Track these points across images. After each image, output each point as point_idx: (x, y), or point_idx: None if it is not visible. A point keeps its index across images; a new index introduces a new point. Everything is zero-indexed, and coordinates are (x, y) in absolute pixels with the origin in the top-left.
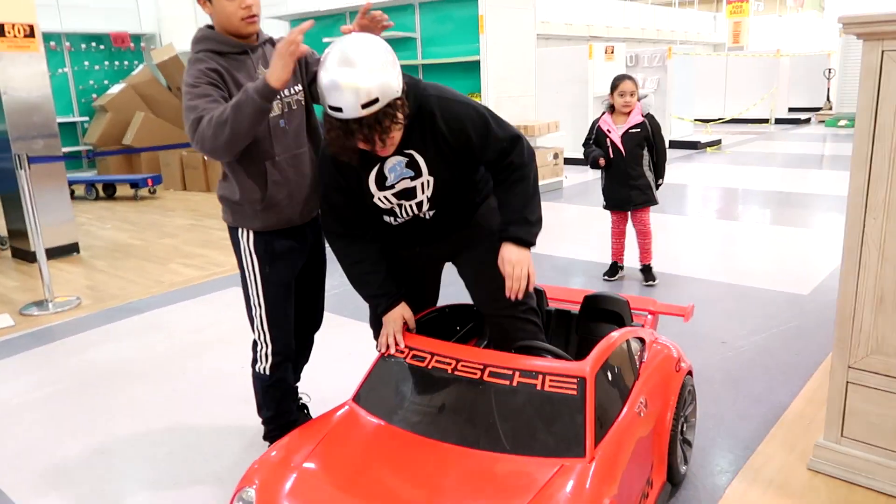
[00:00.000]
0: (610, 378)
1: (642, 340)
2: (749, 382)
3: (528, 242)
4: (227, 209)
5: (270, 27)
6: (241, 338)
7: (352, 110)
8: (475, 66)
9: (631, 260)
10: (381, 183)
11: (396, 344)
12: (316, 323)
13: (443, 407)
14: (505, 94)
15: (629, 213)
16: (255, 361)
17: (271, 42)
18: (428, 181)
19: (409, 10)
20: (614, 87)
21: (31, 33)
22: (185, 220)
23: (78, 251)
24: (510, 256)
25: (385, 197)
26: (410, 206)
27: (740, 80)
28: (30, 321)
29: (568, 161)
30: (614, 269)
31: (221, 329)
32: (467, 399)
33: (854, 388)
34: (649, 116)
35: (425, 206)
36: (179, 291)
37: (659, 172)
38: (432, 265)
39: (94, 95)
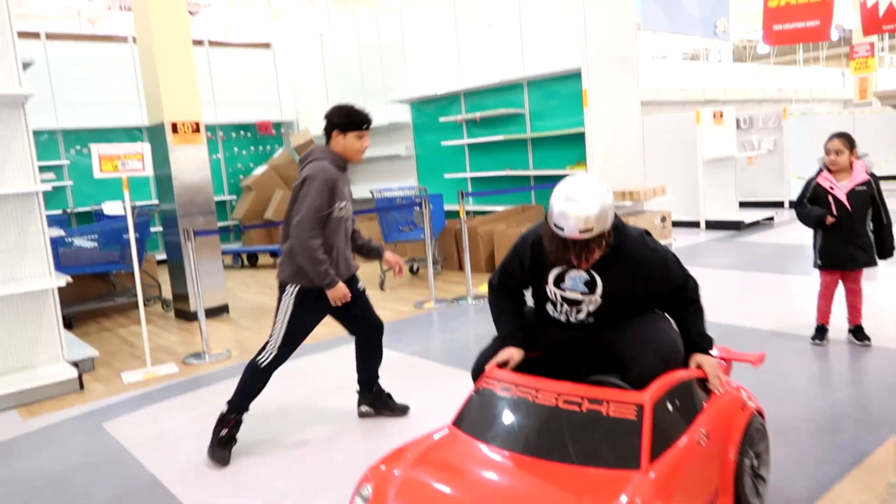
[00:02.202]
0: (670, 408)
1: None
2: (836, 432)
3: (710, 350)
4: (287, 269)
5: (392, 110)
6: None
7: (571, 232)
8: (581, 137)
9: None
10: (558, 283)
11: (497, 362)
12: (378, 329)
13: (524, 427)
14: (610, 162)
15: (841, 273)
16: (259, 354)
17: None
18: (596, 301)
19: (518, 88)
20: (825, 145)
21: (196, 129)
22: None
23: (228, 312)
24: (709, 363)
25: (555, 294)
26: (570, 311)
27: (867, 136)
28: (190, 369)
29: (674, 224)
30: (822, 332)
31: (345, 375)
32: (545, 421)
33: None
34: (873, 176)
35: (581, 317)
36: (311, 345)
37: (885, 236)
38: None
39: (242, 177)
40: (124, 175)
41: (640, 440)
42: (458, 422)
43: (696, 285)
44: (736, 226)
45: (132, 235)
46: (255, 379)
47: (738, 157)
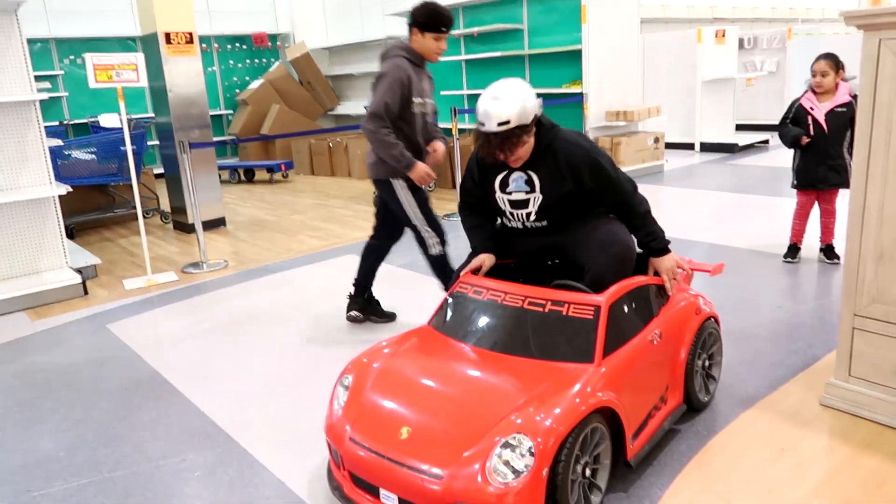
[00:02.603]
0: (625, 310)
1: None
2: (792, 339)
3: (666, 249)
4: (381, 168)
5: (390, 23)
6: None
7: (491, 125)
8: (578, 54)
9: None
10: (504, 188)
11: (471, 269)
12: (396, 239)
13: (492, 326)
14: (607, 81)
15: (817, 193)
16: (426, 248)
17: None
18: (538, 198)
19: (518, 2)
20: (812, 66)
21: (190, 40)
22: (312, 200)
23: (224, 224)
24: (664, 265)
25: (503, 199)
26: (521, 214)
27: None
28: (189, 277)
29: (669, 145)
30: (794, 251)
31: (336, 284)
32: (510, 320)
33: (859, 332)
34: (856, 97)
35: (532, 217)
36: (305, 257)
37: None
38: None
39: (238, 91)
40: (119, 85)
41: (595, 338)
42: (434, 322)
43: (641, 199)
44: (730, 148)
45: (129, 148)
46: (444, 264)
47: (738, 78)
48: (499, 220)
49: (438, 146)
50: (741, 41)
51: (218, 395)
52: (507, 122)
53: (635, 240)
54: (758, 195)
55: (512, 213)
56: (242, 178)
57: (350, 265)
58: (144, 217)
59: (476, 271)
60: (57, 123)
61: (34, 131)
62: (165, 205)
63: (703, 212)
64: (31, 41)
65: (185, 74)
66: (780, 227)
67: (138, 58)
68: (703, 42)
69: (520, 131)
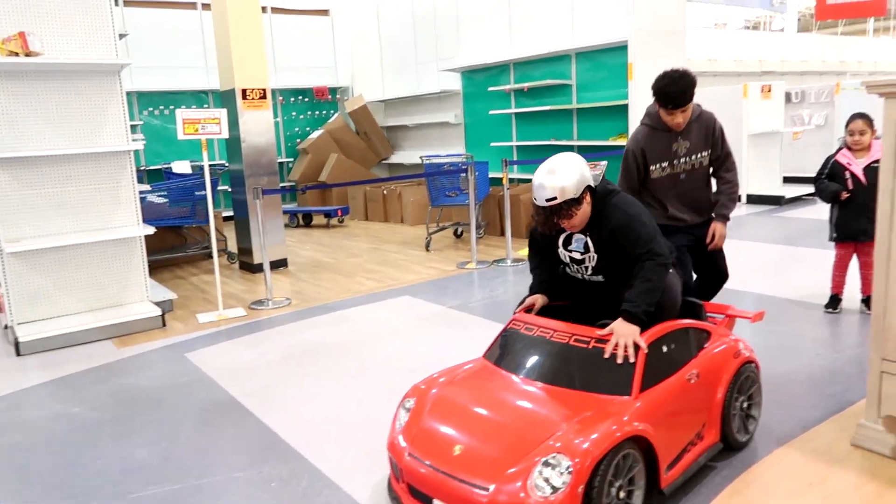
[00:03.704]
0: (664, 350)
1: (708, 332)
2: (828, 384)
3: (640, 321)
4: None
5: (443, 78)
6: (407, 328)
7: (541, 201)
8: (625, 109)
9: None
10: (566, 246)
11: (524, 307)
12: (721, 278)
13: (539, 359)
14: None
15: (855, 245)
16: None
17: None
18: (593, 257)
19: (566, 59)
20: (847, 125)
21: (263, 95)
22: (367, 244)
23: (287, 265)
24: (620, 330)
25: (565, 255)
26: (579, 269)
27: None
28: (256, 313)
29: None
30: (835, 301)
31: (393, 324)
32: (556, 355)
33: (887, 377)
34: None
35: (589, 272)
36: (363, 297)
37: None
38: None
39: (298, 140)
40: (203, 137)
41: (634, 373)
42: (488, 355)
43: (661, 263)
44: (777, 200)
45: (209, 192)
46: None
47: (785, 131)
48: (562, 268)
49: (716, 230)
50: (789, 95)
51: (288, 416)
52: (554, 199)
53: (678, 288)
54: (803, 247)
55: (572, 267)
56: (301, 222)
57: (405, 305)
58: (212, 257)
59: (529, 310)
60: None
61: (127, 177)
62: (233, 246)
63: (750, 263)
64: None
65: (258, 126)
66: (824, 278)
67: (221, 113)
68: (749, 97)
69: (567, 205)
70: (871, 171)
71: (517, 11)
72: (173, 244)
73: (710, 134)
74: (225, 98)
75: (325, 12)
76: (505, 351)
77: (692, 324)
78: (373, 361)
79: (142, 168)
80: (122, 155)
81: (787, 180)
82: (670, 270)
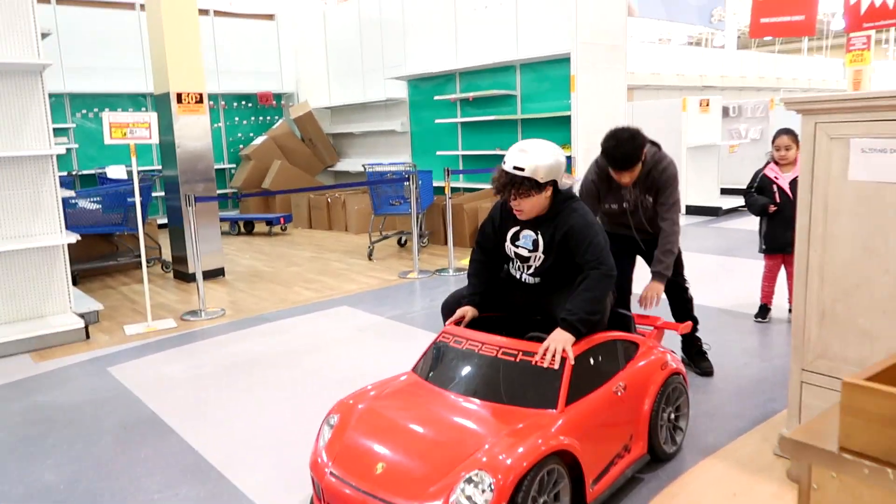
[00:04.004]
0: (591, 362)
1: (636, 345)
2: (753, 393)
3: (577, 333)
4: None
5: (390, 86)
6: (341, 341)
7: (508, 165)
8: (569, 120)
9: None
10: (514, 241)
11: (454, 320)
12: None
13: (468, 373)
14: (595, 146)
15: (783, 257)
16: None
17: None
18: (539, 257)
19: (511, 70)
20: (773, 140)
21: (200, 100)
22: (309, 253)
23: (224, 275)
24: (556, 336)
25: (511, 250)
26: (522, 266)
27: None
28: (188, 325)
29: None
30: (765, 311)
31: (329, 335)
32: (485, 368)
33: (807, 387)
34: None
35: (530, 271)
36: (300, 307)
37: None
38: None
39: (241, 146)
40: (132, 142)
41: (560, 386)
42: (417, 368)
43: (607, 274)
44: (714, 211)
45: (137, 199)
46: (686, 295)
47: (721, 145)
48: (505, 267)
49: (644, 295)
50: (726, 110)
51: (211, 434)
52: (521, 170)
53: (609, 305)
54: (737, 257)
55: (515, 263)
56: (242, 230)
57: (343, 316)
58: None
59: (459, 322)
60: (66, 174)
61: (49, 183)
62: (167, 254)
63: (686, 273)
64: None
65: (194, 131)
66: (755, 288)
67: (151, 117)
68: (688, 110)
69: (528, 183)
70: (797, 184)
71: (463, 21)
72: (104, 252)
73: (656, 187)
74: (160, 102)
75: (270, 17)
76: (434, 364)
77: (620, 336)
78: (305, 375)
79: (74, 173)
80: (44, 159)
81: (724, 192)
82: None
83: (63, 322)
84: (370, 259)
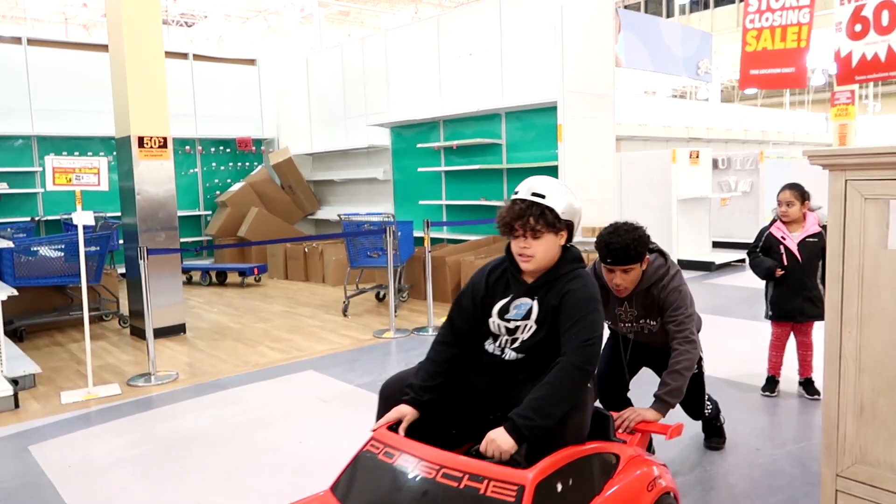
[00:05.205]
0: (559, 489)
1: (617, 457)
2: (771, 491)
3: (521, 439)
4: None
5: (372, 133)
6: (302, 412)
7: (524, 193)
8: (555, 170)
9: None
10: (503, 314)
11: (388, 422)
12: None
13: (395, 501)
14: (583, 197)
15: (792, 325)
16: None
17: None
18: (531, 328)
19: (496, 118)
20: (778, 195)
21: (164, 144)
22: (281, 307)
23: (185, 331)
24: (496, 438)
25: (498, 325)
26: (505, 341)
27: None
28: (134, 391)
29: None
30: (773, 384)
31: (287, 406)
32: (419, 497)
33: (843, 497)
34: (825, 228)
35: (515, 345)
36: (262, 371)
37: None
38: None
39: (218, 192)
40: (77, 188)
41: None
42: (336, 488)
43: (587, 357)
44: (707, 266)
45: (81, 250)
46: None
47: (713, 197)
48: (482, 344)
49: (638, 415)
50: (716, 161)
51: None
52: (542, 197)
53: (590, 408)
54: (735, 318)
55: (500, 341)
56: (214, 280)
57: (307, 382)
58: (103, 320)
59: (396, 425)
60: (28, 220)
61: None
62: (125, 308)
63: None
64: (11, 137)
65: (156, 176)
66: (758, 353)
67: (101, 161)
68: (678, 162)
69: (550, 216)
70: (806, 246)
71: (447, 68)
72: (56, 305)
73: (658, 305)
74: (120, 146)
75: (251, 62)
76: (356, 484)
77: (597, 449)
78: (252, 457)
79: (38, 218)
80: None
81: (715, 245)
82: (587, 386)
83: None
84: (345, 315)
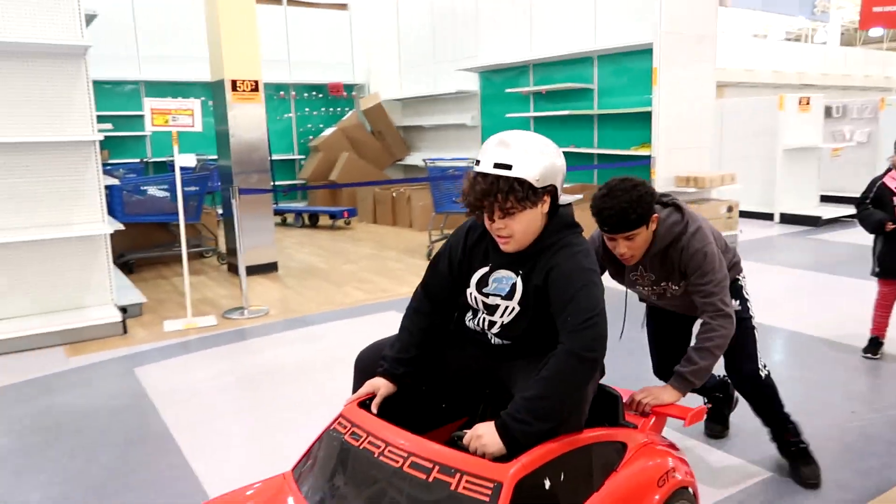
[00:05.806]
0: (546, 486)
1: (624, 445)
2: (864, 456)
3: (513, 441)
4: None
5: (461, 78)
6: None
7: (485, 165)
8: (649, 116)
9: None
10: (481, 287)
11: (359, 397)
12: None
13: (354, 490)
14: (677, 145)
15: None
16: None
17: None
18: (512, 309)
19: (588, 62)
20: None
21: (255, 88)
22: (369, 250)
23: (276, 269)
24: (483, 435)
25: (475, 298)
26: (486, 320)
27: None
28: (229, 323)
29: (746, 214)
30: (876, 345)
31: (367, 344)
32: (381, 488)
33: None
34: None
35: (496, 329)
36: (346, 310)
37: None
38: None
39: (311, 137)
40: (174, 129)
41: None
42: (297, 470)
43: (579, 358)
44: (813, 221)
45: (179, 189)
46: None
47: (823, 147)
48: (459, 316)
49: (651, 395)
50: (829, 109)
51: (218, 462)
52: (507, 168)
53: (589, 394)
54: (841, 276)
55: (478, 315)
56: (307, 222)
57: (388, 322)
58: (203, 256)
59: (368, 402)
60: (138, 161)
61: (92, 170)
62: (223, 246)
63: (777, 291)
64: (122, 83)
65: (249, 121)
66: (864, 315)
67: (195, 103)
68: (786, 109)
69: (521, 190)
70: None
71: (538, 10)
72: (161, 241)
73: (679, 269)
74: (215, 89)
75: (343, 6)
76: (317, 468)
77: (598, 437)
78: (328, 392)
79: (146, 160)
80: (86, 146)
81: (825, 199)
82: (595, 376)
83: (101, 315)
84: (429, 259)
